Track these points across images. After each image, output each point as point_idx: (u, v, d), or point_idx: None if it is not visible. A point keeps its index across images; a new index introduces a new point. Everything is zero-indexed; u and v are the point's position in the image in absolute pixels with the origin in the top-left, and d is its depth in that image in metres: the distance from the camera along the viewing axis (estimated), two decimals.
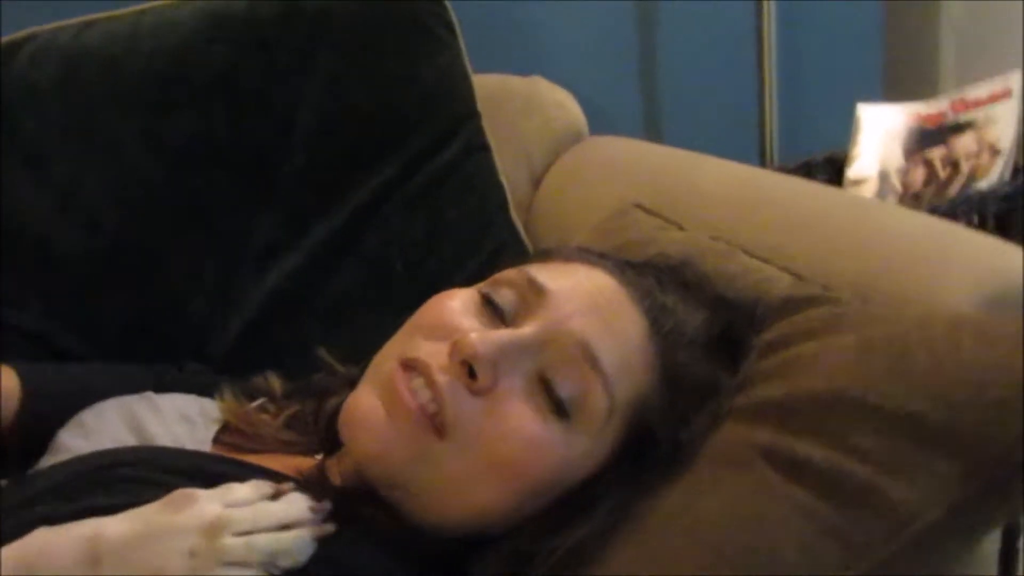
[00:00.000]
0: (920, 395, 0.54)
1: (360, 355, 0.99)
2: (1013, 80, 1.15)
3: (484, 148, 1.11)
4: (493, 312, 0.59)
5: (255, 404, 0.74)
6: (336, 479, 0.61)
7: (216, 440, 0.72)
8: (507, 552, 0.57)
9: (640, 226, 0.89)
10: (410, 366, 0.57)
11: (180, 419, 0.74)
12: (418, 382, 0.56)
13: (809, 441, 0.55)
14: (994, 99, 1.15)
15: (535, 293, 0.59)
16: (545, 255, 0.67)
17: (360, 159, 1.04)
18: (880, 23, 1.57)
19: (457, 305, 0.60)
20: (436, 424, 0.55)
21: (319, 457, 0.67)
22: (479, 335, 0.56)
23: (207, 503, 0.52)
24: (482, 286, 0.62)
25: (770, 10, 1.36)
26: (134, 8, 1.01)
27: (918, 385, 0.55)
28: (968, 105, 1.19)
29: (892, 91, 1.53)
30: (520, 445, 0.55)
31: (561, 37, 1.42)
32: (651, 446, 0.58)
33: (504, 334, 0.57)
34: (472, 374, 0.55)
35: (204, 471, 0.59)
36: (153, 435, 0.71)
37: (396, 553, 0.57)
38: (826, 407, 0.56)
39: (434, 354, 0.57)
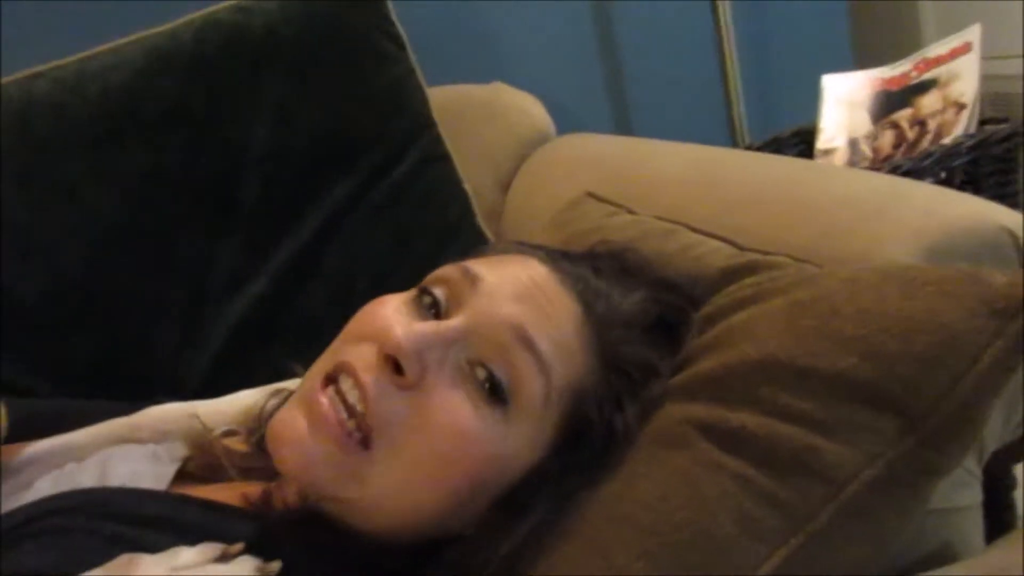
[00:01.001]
0: (849, 352, 0.52)
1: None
2: (972, 34, 1.13)
3: (443, 158, 1.11)
4: (426, 308, 0.58)
5: (220, 431, 0.74)
6: (280, 503, 0.60)
7: (184, 470, 0.71)
8: (453, 559, 0.55)
9: (590, 215, 0.88)
10: (338, 370, 0.56)
11: (147, 455, 0.74)
12: (347, 384, 0.55)
13: (743, 410, 0.53)
14: (955, 54, 1.13)
15: (468, 284, 0.58)
16: (481, 251, 0.66)
17: (315, 179, 1.04)
18: None
19: (388, 309, 0.58)
20: (361, 433, 0.54)
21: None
22: (404, 329, 0.54)
23: (151, 568, 0.51)
24: (421, 284, 0.61)
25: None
26: (79, 55, 1.02)
27: (847, 342, 0.53)
28: (930, 64, 1.17)
29: (863, 60, 1.51)
30: (451, 437, 0.53)
31: (521, 42, 1.42)
32: (588, 432, 0.57)
33: (429, 325, 0.55)
34: (399, 370, 0.54)
35: (142, 515, 0.58)
36: (115, 474, 0.71)
37: (348, 572, 0.56)
38: (758, 373, 0.54)
39: (363, 357, 0.55)
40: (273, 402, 0.71)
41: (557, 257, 0.62)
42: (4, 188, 0.96)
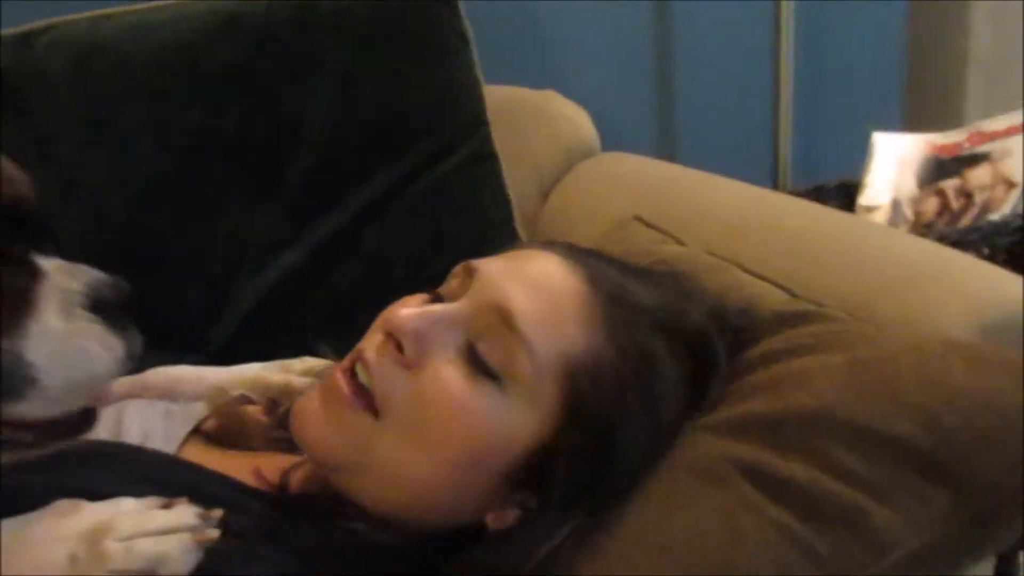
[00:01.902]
0: (908, 419, 0.53)
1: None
2: None
3: (491, 157, 1.11)
4: (432, 301, 0.61)
5: (235, 396, 0.75)
6: (296, 485, 0.62)
7: (197, 430, 0.71)
8: (483, 558, 0.56)
9: (638, 239, 0.89)
10: (354, 359, 0.59)
11: (160, 412, 0.74)
12: (360, 369, 0.58)
13: (793, 459, 0.54)
14: (1011, 132, 1.14)
15: (469, 276, 0.61)
16: (505, 248, 0.68)
17: (366, 160, 1.04)
18: (901, 52, 1.56)
19: (411, 303, 0.62)
20: (370, 404, 0.57)
21: (296, 455, 0.67)
22: (406, 311, 0.58)
23: (91, 511, 0.52)
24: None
25: (788, 34, 1.36)
26: (151, 4, 1.02)
27: (907, 408, 0.53)
28: (984, 137, 1.18)
29: (912, 122, 1.52)
30: (446, 408, 0.56)
31: (578, 52, 1.42)
32: (587, 406, 0.57)
33: (428, 308, 0.59)
34: (400, 348, 0.57)
35: (167, 482, 0.59)
36: (129, 428, 0.71)
37: (359, 557, 0.57)
38: (812, 424, 0.55)
39: (372, 342, 0.59)
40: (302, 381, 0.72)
41: (572, 251, 0.63)
42: (61, 126, 0.95)
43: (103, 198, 0.98)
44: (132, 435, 0.70)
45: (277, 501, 0.59)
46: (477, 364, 0.56)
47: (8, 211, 0.52)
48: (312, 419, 0.59)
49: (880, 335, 0.61)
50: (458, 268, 0.63)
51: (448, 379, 0.56)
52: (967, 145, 1.20)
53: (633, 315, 0.59)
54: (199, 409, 0.74)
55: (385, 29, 1.05)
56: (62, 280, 0.51)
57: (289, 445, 0.68)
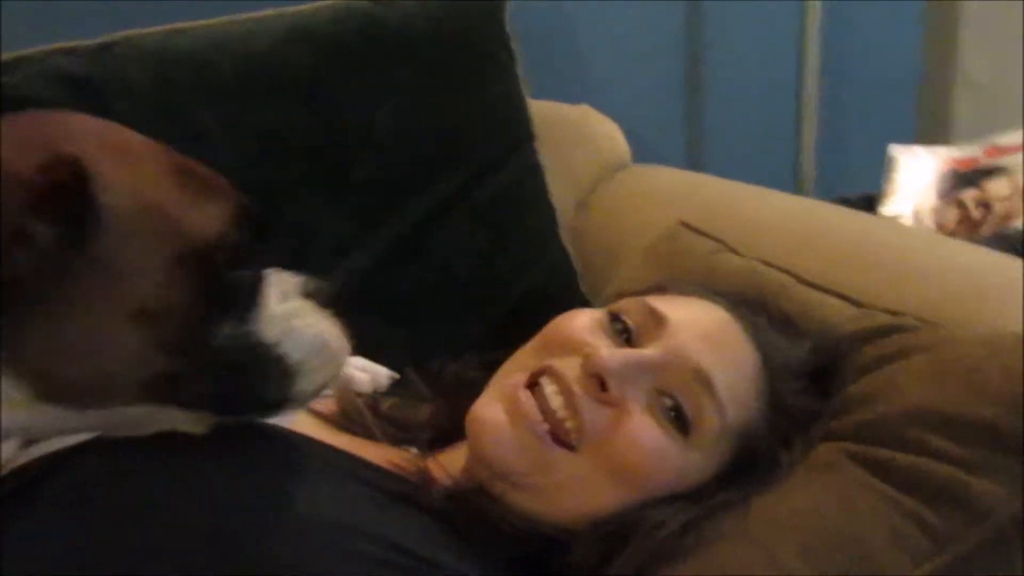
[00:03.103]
0: (992, 403, 0.59)
1: (419, 356, 1.04)
2: None
3: (538, 168, 1.16)
4: (617, 333, 0.65)
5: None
6: (442, 474, 0.65)
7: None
8: (603, 535, 0.60)
9: (694, 250, 0.93)
10: (542, 373, 0.62)
11: None
12: (551, 389, 0.61)
13: (892, 448, 0.60)
14: None
15: (655, 321, 0.65)
16: (661, 288, 0.72)
17: (428, 168, 1.08)
18: (917, 72, 1.64)
19: (585, 323, 0.66)
20: (563, 436, 0.60)
21: (411, 450, 0.70)
22: (609, 351, 0.62)
23: None
24: (605, 309, 0.67)
25: (814, 55, 1.42)
26: (225, 18, 1.06)
27: (990, 395, 0.59)
28: (1000, 151, 1.25)
29: (923, 138, 1.59)
30: (645, 453, 0.60)
31: (610, 69, 1.47)
32: (753, 468, 0.63)
33: (632, 352, 0.62)
34: (603, 386, 0.60)
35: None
36: None
37: (499, 545, 0.61)
38: (905, 419, 0.61)
39: (567, 366, 0.62)
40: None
41: (737, 304, 0.68)
42: (138, 125, 0.98)
43: None
44: None
45: (424, 489, 0.62)
46: (669, 413, 0.61)
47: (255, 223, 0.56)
48: (498, 434, 0.61)
49: (956, 336, 0.67)
50: (635, 304, 0.66)
51: (648, 427, 0.60)
52: (984, 158, 1.27)
53: (794, 380, 0.65)
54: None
55: (448, 45, 1.10)
56: (278, 279, 0.57)
57: (400, 439, 0.72)
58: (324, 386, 0.58)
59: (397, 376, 0.82)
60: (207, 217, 0.52)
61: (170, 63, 1.02)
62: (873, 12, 1.55)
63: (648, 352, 0.62)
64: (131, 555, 0.50)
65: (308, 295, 0.58)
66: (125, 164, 0.52)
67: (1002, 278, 0.76)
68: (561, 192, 1.21)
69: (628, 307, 0.66)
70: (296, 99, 1.04)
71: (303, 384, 0.56)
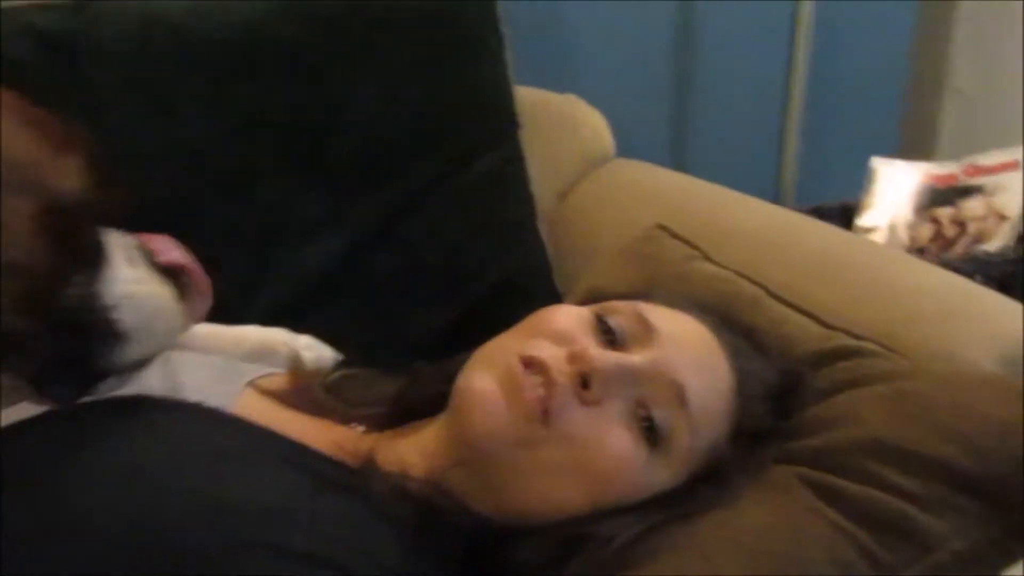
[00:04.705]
0: (948, 441, 0.59)
1: (387, 340, 1.04)
2: (1021, 153, 1.22)
3: (520, 159, 1.15)
4: (604, 334, 0.64)
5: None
6: (392, 460, 0.64)
7: (251, 384, 0.74)
8: (557, 537, 0.60)
9: (669, 255, 0.93)
10: (531, 363, 0.61)
11: (208, 364, 0.76)
12: (536, 379, 0.61)
13: (847, 476, 0.60)
14: (1004, 168, 1.22)
15: (644, 330, 0.64)
16: (648, 296, 0.72)
17: (406, 151, 1.07)
18: (901, 84, 1.64)
19: (572, 317, 0.65)
20: (544, 413, 0.60)
21: (357, 428, 0.70)
22: (599, 352, 0.61)
23: None
24: (594, 308, 0.67)
25: (804, 61, 1.42)
26: None
27: (947, 433, 0.60)
28: (978, 171, 1.26)
29: (906, 151, 1.60)
30: (612, 460, 0.60)
31: (599, 59, 1.46)
32: (711, 485, 0.63)
33: (622, 356, 0.62)
34: (586, 385, 0.60)
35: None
36: (183, 383, 0.72)
37: (448, 539, 0.61)
38: (862, 450, 0.61)
39: (554, 357, 0.61)
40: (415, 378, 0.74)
41: (720, 326, 0.68)
42: (112, 92, 0.97)
43: (148, 168, 0.99)
44: (190, 391, 0.70)
45: (367, 477, 0.62)
46: (643, 424, 0.61)
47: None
48: (490, 404, 0.60)
49: (915, 368, 0.68)
50: (623, 307, 0.66)
51: (621, 436, 0.60)
52: (962, 177, 1.28)
53: (761, 403, 0.66)
54: (243, 366, 0.77)
55: (434, 25, 1.08)
56: (120, 238, 0.56)
57: (350, 417, 0.71)
58: (148, 354, 0.58)
59: (342, 357, 0.82)
60: (68, 172, 0.51)
61: (151, 28, 1.00)
62: (864, 18, 1.55)
63: (637, 360, 0.62)
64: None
65: (150, 261, 0.58)
66: None
67: (966, 304, 0.77)
68: (542, 181, 1.20)
69: (616, 308, 0.66)
70: (276, 71, 1.03)
71: (128, 351, 0.56)
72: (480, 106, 1.11)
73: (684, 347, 0.64)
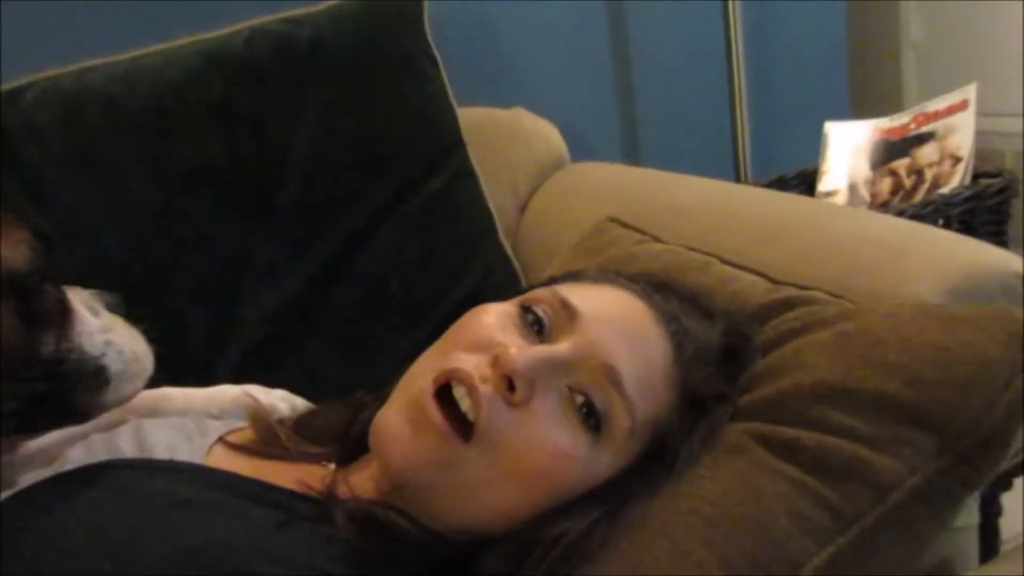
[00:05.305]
0: (893, 377, 0.58)
1: (363, 372, 1.04)
2: (969, 92, 1.21)
3: (470, 175, 1.16)
4: (529, 326, 0.63)
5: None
6: (346, 492, 0.64)
7: (220, 442, 0.73)
8: (513, 544, 0.59)
9: (620, 241, 0.93)
10: (450, 376, 0.60)
11: (178, 426, 0.76)
12: (460, 391, 0.59)
13: (797, 427, 0.59)
14: (952, 110, 1.22)
15: (567, 314, 0.62)
16: (575, 276, 0.71)
17: (353, 184, 1.08)
18: (843, 46, 1.65)
19: (493, 320, 0.63)
20: (465, 433, 0.58)
21: (329, 466, 0.70)
22: (519, 351, 0.59)
23: None
24: (518, 300, 0.65)
25: (738, 36, 1.43)
26: (134, 52, 1.06)
27: (890, 368, 0.59)
28: (929, 117, 1.25)
29: (859, 110, 1.60)
30: (548, 456, 0.59)
31: (540, 70, 1.47)
32: (662, 458, 0.62)
33: (542, 350, 0.60)
34: (511, 387, 0.58)
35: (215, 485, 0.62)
36: (153, 444, 0.72)
37: (408, 557, 0.60)
38: (810, 396, 0.60)
39: (475, 365, 0.60)
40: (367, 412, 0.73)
41: (650, 292, 0.66)
42: (54, 172, 0.99)
43: (100, 237, 1.01)
44: (160, 450, 0.71)
45: (329, 505, 0.62)
46: (580, 411, 0.59)
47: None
48: (399, 440, 0.59)
49: (859, 309, 0.67)
50: (546, 295, 0.64)
51: (554, 430, 0.58)
52: (913, 126, 1.28)
53: (704, 367, 0.64)
54: (213, 424, 0.77)
55: (361, 58, 1.10)
56: (77, 293, 0.61)
57: (318, 456, 0.72)
58: (131, 395, 0.63)
59: (315, 406, 0.82)
60: (14, 245, 0.55)
61: (81, 103, 1.02)
62: None
63: (557, 349, 0.60)
64: None
65: (111, 308, 0.62)
66: None
67: (910, 244, 0.77)
68: (501, 195, 1.22)
69: (540, 297, 0.64)
70: (212, 127, 1.04)
71: (113, 393, 0.61)
72: (419, 129, 1.12)
73: (611, 324, 0.62)
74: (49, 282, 0.58)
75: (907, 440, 0.56)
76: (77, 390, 0.58)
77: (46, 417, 0.60)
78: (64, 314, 0.58)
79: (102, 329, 0.60)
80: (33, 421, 0.59)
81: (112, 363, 0.60)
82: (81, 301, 0.61)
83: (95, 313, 0.61)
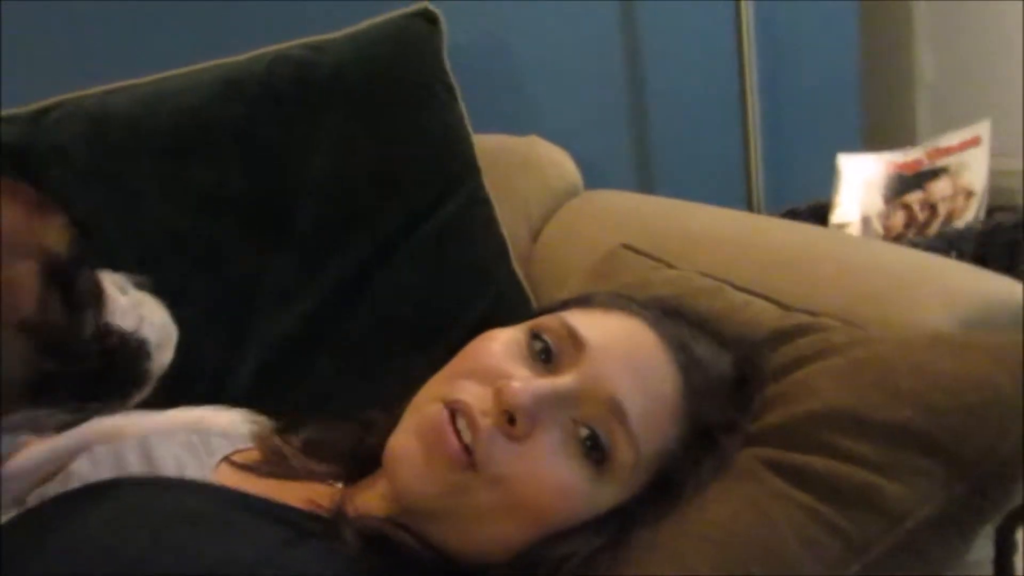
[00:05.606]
0: (905, 404, 0.58)
1: (374, 394, 1.04)
2: (982, 128, 1.22)
3: (485, 202, 1.17)
4: (536, 354, 0.63)
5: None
6: (354, 510, 0.64)
7: (226, 459, 0.74)
8: (517, 566, 0.59)
9: (632, 268, 0.93)
10: (452, 408, 0.60)
11: (183, 443, 0.76)
12: (462, 423, 0.60)
13: (808, 453, 0.59)
14: (965, 146, 1.23)
15: (574, 344, 0.62)
16: (586, 301, 0.70)
17: (369, 209, 1.09)
18: (855, 81, 1.66)
19: (500, 348, 0.63)
20: (470, 460, 0.59)
21: (336, 485, 0.70)
22: (522, 384, 0.59)
23: None
24: (527, 326, 0.65)
25: (752, 71, 1.44)
26: (160, 75, 1.08)
27: (902, 395, 0.59)
28: (942, 152, 1.26)
29: (871, 144, 1.61)
30: (549, 491, 0.59)
31: (556, 99, 1.49)
32: (668, 489, 0.61)
33: (545, 384, 0.60)
34: (512, 421, 0.58)
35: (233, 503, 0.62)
36: (160, 459, 0.73)
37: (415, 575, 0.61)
38: (821, 422, 0.60)
39: (478, 397, 0.60)
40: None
41: (661, 319, 0.66)
42: (73, 188, 1.00)
43: (115, 255, 1.01)
44: (168, 465, 0.71)
45: (338, 523, 0.62)
46: (584, 444, 0.59)
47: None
48: (412, 462, 0.60)
49: (871, 336, 0.67)
50: (555, 323, 0.64)
51: (555, 464, 0.58)
52: (926, 161, 1.28)
53: (714, 396, 0.63)
54: (218, 442, 0.77)
55: (380, 85, 1.11)
56: (105, 275, 0.64)
57: (325, 475, 0.72)
58: (167, 362, 0.66)
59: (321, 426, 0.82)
60: (55, 231, 0.59)
61: (104, 124, 1.04)
62: (807, 21, 1.57)
63: (561, 383, 0.60)
64: None
65: (139, 285, 0.66)
66: None
67: (922, 274, 0.77)
68: (514, 223, 1.22)
69: (548, 326, 0.64)
70: (231, 152, 1.06)
71: (155, 364, 0.64)
72: (435, 156, 1.13)
73: (618, 356, 0.61)
74: (85, 265, 0.61)
75: (919, 468, 0.56)
76: (128, 363, 0.62)
77: (109, 393, 0.63)
78: (98, 295, 0.62)
79: (133, 305, 0.64)
80: (96, 398, 0.62)
81: (149, 334, 0.64)
82: (110, 280, 0.65)
83: (124, 292, 0.65)
